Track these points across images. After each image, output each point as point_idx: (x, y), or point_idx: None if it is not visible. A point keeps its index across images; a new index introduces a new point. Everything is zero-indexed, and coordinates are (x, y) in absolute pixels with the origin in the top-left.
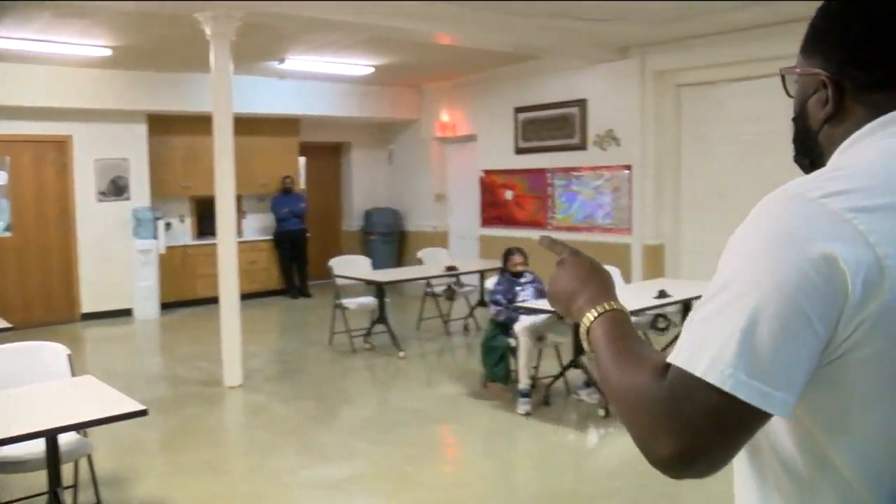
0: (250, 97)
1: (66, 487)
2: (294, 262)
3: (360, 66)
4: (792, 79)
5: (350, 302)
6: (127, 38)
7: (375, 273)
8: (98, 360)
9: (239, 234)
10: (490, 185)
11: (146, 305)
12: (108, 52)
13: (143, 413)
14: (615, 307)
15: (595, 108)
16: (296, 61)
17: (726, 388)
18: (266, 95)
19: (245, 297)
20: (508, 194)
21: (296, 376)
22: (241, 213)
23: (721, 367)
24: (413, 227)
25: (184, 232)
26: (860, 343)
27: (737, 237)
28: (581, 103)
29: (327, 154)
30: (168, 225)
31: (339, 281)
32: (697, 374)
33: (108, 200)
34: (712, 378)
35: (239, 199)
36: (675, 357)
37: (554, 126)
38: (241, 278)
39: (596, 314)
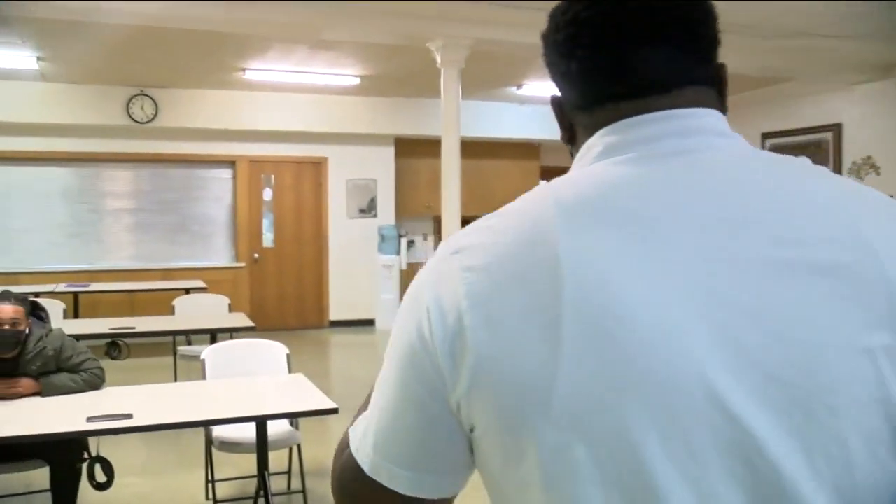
0: (488, 122)
1: (278, 473)
2: None
3: None
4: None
5: None
6: (373, 67)
7: None
8: (337, 364)
9: None
10: None
11: (387, 317)
12: (357, 81)
13: (333, 411)
14: None
15: (851, 133)
16: (534, 87)
17: (365, 469)
18: (505, 120)
19: None
20: None
21: None
22: None
23: (365, 448)
24: None
25: (426, 250)
26: (469, 420)
27: None
28: (835, 128)
29: None
30: (411, 242)
31: None
32: (352, 450)
33: (357, 217)
34: (359, 458)
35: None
36: (354, 426)
37: (805, 152)
38: None
39: None
